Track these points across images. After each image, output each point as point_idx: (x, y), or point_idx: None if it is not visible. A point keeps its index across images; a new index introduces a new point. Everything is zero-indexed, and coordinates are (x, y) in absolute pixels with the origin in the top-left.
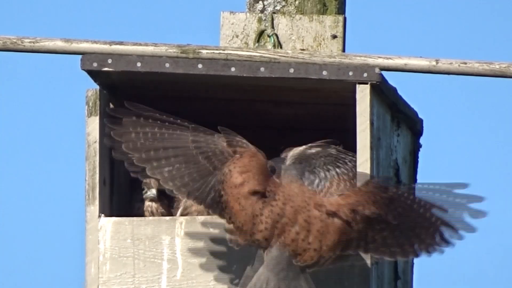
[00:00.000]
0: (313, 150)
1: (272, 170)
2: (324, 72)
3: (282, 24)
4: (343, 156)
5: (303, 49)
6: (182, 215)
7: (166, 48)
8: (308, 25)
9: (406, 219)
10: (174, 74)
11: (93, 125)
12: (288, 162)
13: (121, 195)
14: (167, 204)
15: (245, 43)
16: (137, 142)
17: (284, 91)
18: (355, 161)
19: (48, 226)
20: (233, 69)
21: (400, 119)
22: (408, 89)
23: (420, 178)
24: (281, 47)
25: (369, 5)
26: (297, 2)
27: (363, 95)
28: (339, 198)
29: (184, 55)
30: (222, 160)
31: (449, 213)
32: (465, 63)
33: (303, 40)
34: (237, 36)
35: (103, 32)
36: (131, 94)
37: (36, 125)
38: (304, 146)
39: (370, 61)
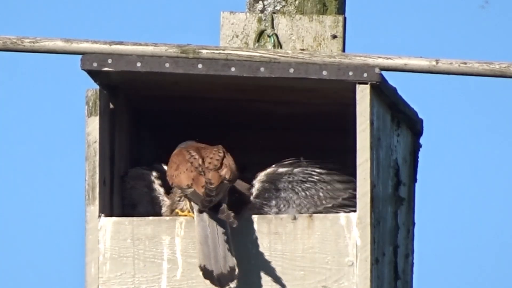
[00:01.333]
0: (281, 170)
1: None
2: (324, 72)
3: (282, 24)
4: (309, 174)
5: (303, 49)
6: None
7: (166, 48)
8: (308, 25)
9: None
10: (174, 74)
11: (93, 125)
12: (257, 183)
13: (121, 195)
14: None
15: (245, 43)
16: None
17: (284, 91)
18: (323, 178)
19: (48, 226)
20: (233, 69)
21: (400, 119)
22: (408, 89)
23: (420, 178)
24: (281, 47)
25: (369, 5)
26: (297, 2)
27: (363, 95)
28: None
29: (184, 55)
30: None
31: None
32: (465, 63)
33: (303, 40)
34: (237, 36)
35: (103, 32)
36: (131, 94)
37: (36, 125)
38: (272, 167)
39: (370, 61)
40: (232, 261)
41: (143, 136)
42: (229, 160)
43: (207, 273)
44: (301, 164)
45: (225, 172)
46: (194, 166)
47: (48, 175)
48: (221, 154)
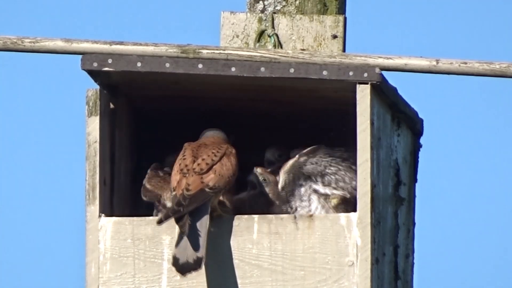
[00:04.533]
0: (302, 159)
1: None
2: (325, 72)
3: (283, 24)
4: (333, 160)
5: (303, 49)
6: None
7: (167, 48)
8: (309, 25)
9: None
10: (174, 74)
11: (93, 125)
12: (282, 176)
13: (121, 195)
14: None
15: (246, 43)
16: None
17: (284, 91)
18: (346, 157)
19: (48, 226)
20: (233, 69)
21: (400, 119)
22: (408, 89)
23: (420, 178)
24: (281, 47)
25: (369, 5)
26: (297, 2)
27: (363, 95)
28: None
29: (184, 55)
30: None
31: None
32: (465, 63)
33: (303, 40)
34: (237, 36)
35: (103, 32)
36: (131, 94)
37: (37, 125)
38: (294, 158)
39: (370, 61)
40: (201, 252)
41: (143, 136)
42: (223, 165)
43: (174, 260)
44: (328, 152)
45: (210, 178)
46: (180, 167)
47: (48, 175)
48: (216, 158)
